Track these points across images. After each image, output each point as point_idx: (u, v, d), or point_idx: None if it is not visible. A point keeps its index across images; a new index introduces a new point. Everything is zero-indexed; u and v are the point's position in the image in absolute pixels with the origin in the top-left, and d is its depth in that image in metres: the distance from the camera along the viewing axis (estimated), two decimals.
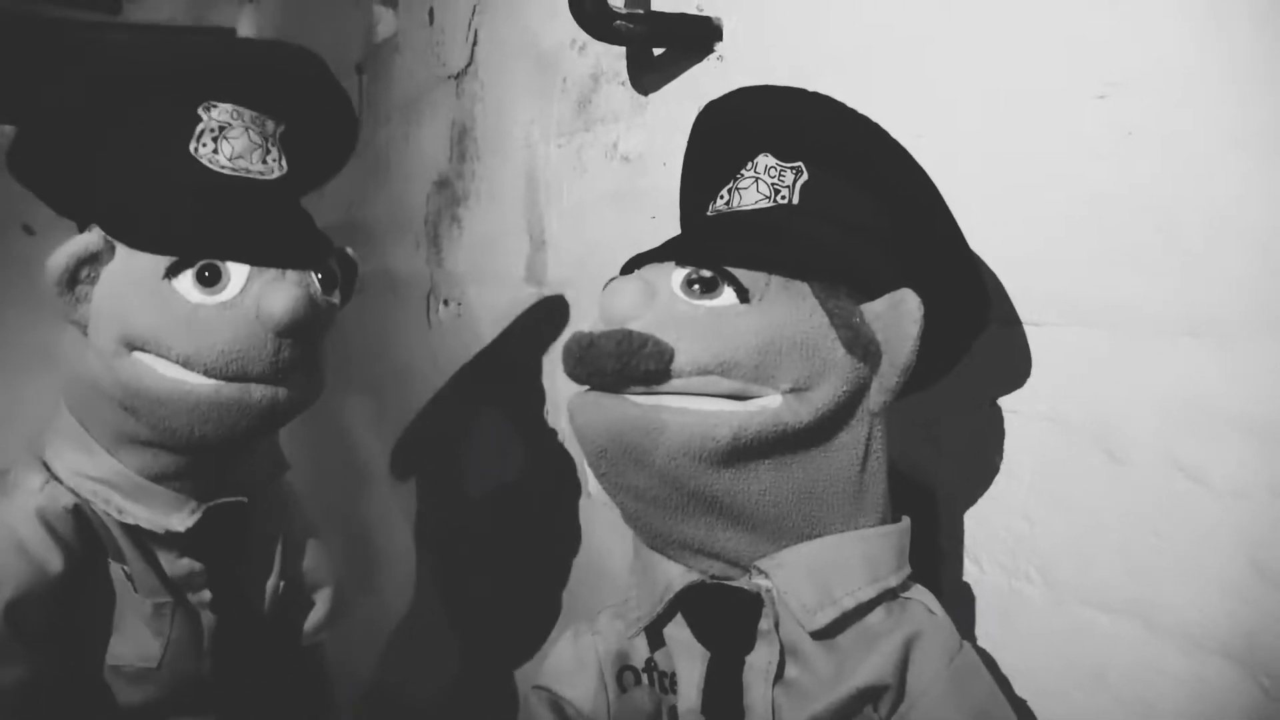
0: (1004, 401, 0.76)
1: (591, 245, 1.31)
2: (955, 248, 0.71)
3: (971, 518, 0.79)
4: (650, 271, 0.72)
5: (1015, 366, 0.75)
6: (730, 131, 0.78)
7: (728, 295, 0.68)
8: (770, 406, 0.66)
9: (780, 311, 0.67)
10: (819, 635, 0.68)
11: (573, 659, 0.80)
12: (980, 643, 0.78)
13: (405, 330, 1.98)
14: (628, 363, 0.66)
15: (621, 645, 0.78)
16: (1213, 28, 0.62)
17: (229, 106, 0.93)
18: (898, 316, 0.67)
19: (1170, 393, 0.64)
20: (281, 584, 1.13)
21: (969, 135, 0.78)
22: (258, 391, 0.90)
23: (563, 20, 1.04)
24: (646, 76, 1.15)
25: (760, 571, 0.70)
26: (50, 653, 0.93)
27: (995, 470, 0.76)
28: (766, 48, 1.01)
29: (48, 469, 0.96)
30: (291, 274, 0.91)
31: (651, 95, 1.16)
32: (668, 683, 0.76)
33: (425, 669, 1.72)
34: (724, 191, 0.77)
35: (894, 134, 0.75)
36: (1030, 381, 0.74)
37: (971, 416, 0.78)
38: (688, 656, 0.74)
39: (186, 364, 0.88)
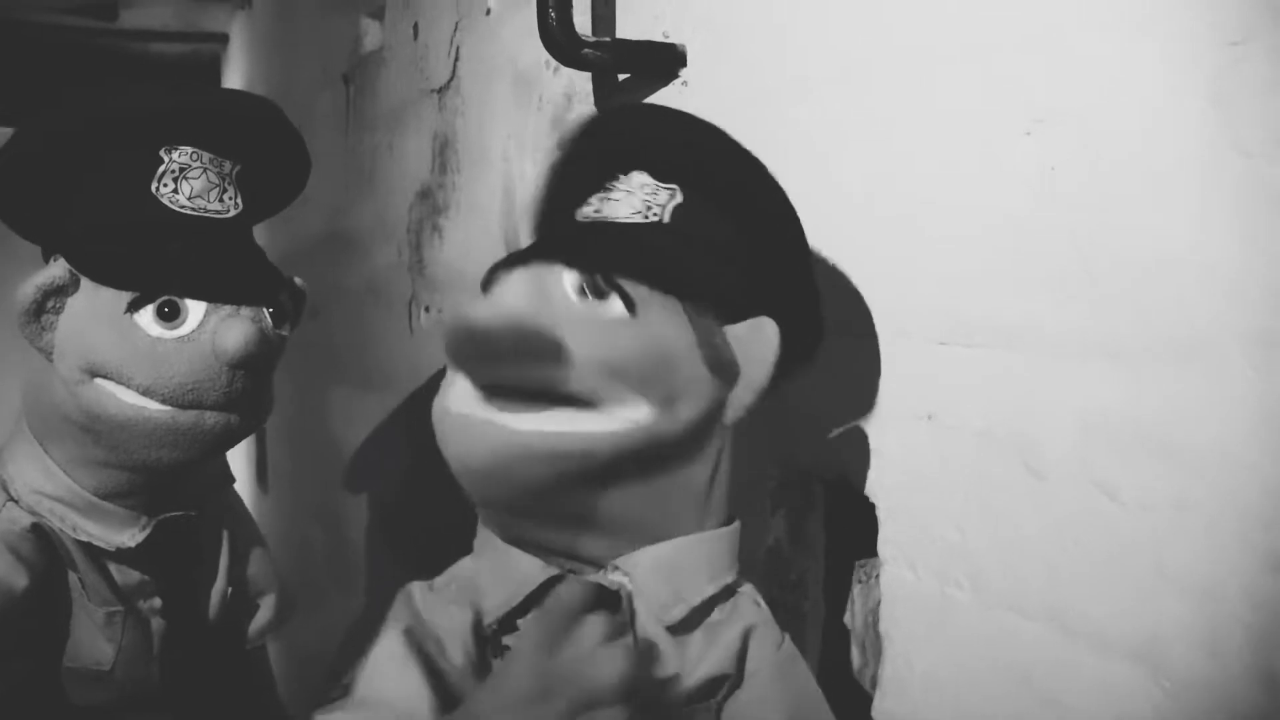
0: (940, 417, 0.80)
1: None
2: (806, 278, 0.79)
3: (909, 526, 0.83)
4: (537, 270, 0.73)
5: (950, 383, 0.79)
6: (611, 143, 0.81)
7: (616, 304, 0.71)
8: (643, 422, 0.69)
9: (658, 326, 0.71)
10: (673, 630, 0.73)
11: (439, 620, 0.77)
12: (913, 644, 0.82)
13: (387, 336, 2.02)
14: (523, 357, 0.68)
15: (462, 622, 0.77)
16: (1128, 71, 0.67)
17: (189, 149, 0.99)
18: (758, 342, 0.72)
19: (1084, 412, 0.68)
20: (229, 590, 1.20)
21: (912, 164, 0.83)
22: (211, 418, 0.98)
23: (538, 41, 1.08)
24: (613, 99, 1.19)
25: (617, 569, 0.74)
26: (17, 662, 1.00)
27: (931, 482, 0.80)
28: (729, 73, 1.05)
29: (6, 489, 1.02)
30: (245, 310, 0.99)
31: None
32: None
33: None
34: (593, 199, 0.79)
35: (839, 157, 0.79)
36: (963, 398, 0.78)
37: (911, 430, 0.82)
38: None
39: (146, 393, 0.96)
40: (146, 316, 0.97)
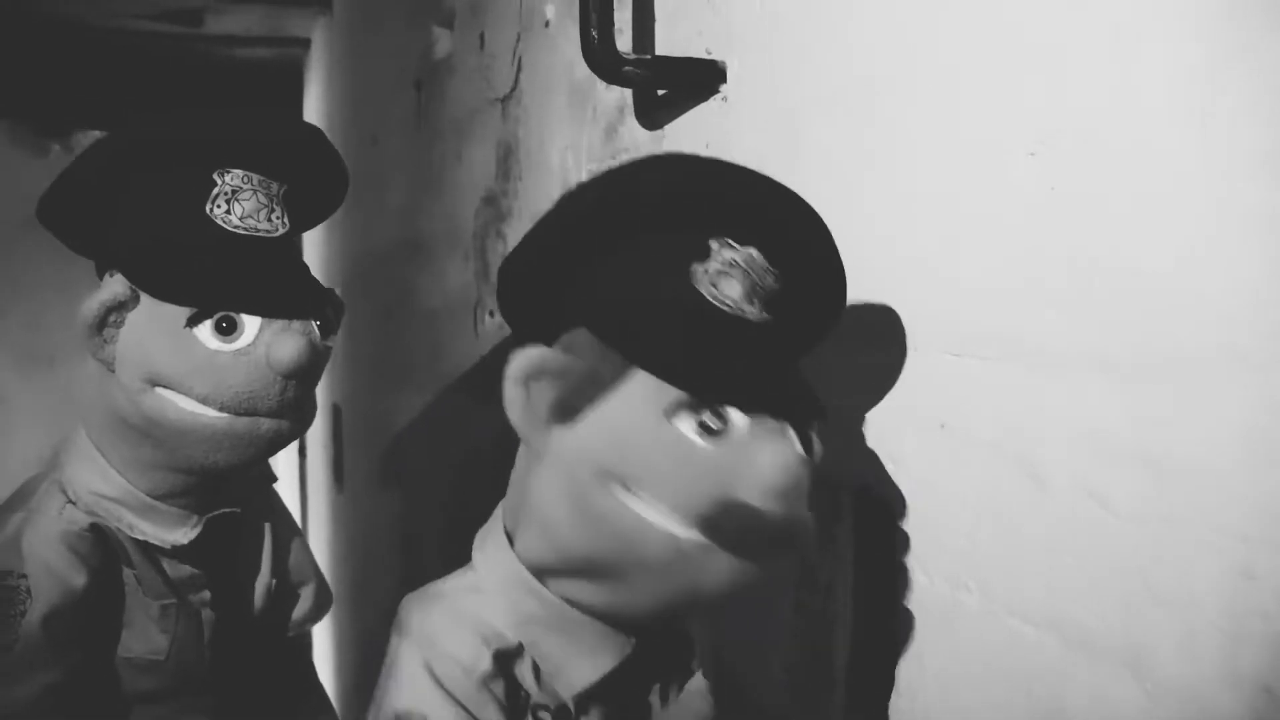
0: (953, 426, 0.83)
1: None
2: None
3: (923, 532, 0.86)
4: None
5: (963, 395, 0.82)
6: (678, 204, 0.78)
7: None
8: None
9: None
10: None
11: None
12: (926, 645, 0.85)
13: (454, 339, 2.09)
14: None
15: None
16: (1129, 95, 0.69)
17: (240, 172, 1.05)
18: None
19: (1082, 425, 0.71)
20: (274, 581, 1.28)
21: (928, 184, 0.85)
22: (265, 424, 1.05)
23: None
24: (654, 114, 1.23)
25: None
26: (77, 655, 1.08)
27: (945, 490, 0.83)
28: (768, 89, 1.08)
29: (65, 492, 1.10)
30: (296, 324, 1.06)
31: (664, 129, 1.24)
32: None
33: None
34: (707, 273, 0.76)
35: (867, 175, 0.82)
36: (975, 409, 0.81)
37: (927, 440, 0.85)
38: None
39: (204, 401, 1.03)
40: (205, 331, 1.03)
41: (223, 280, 1.03)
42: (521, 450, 0.81)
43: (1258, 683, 0.61)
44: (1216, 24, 0.64)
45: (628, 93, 1.34)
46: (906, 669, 0.87)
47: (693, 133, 1.18)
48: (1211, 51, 0.64)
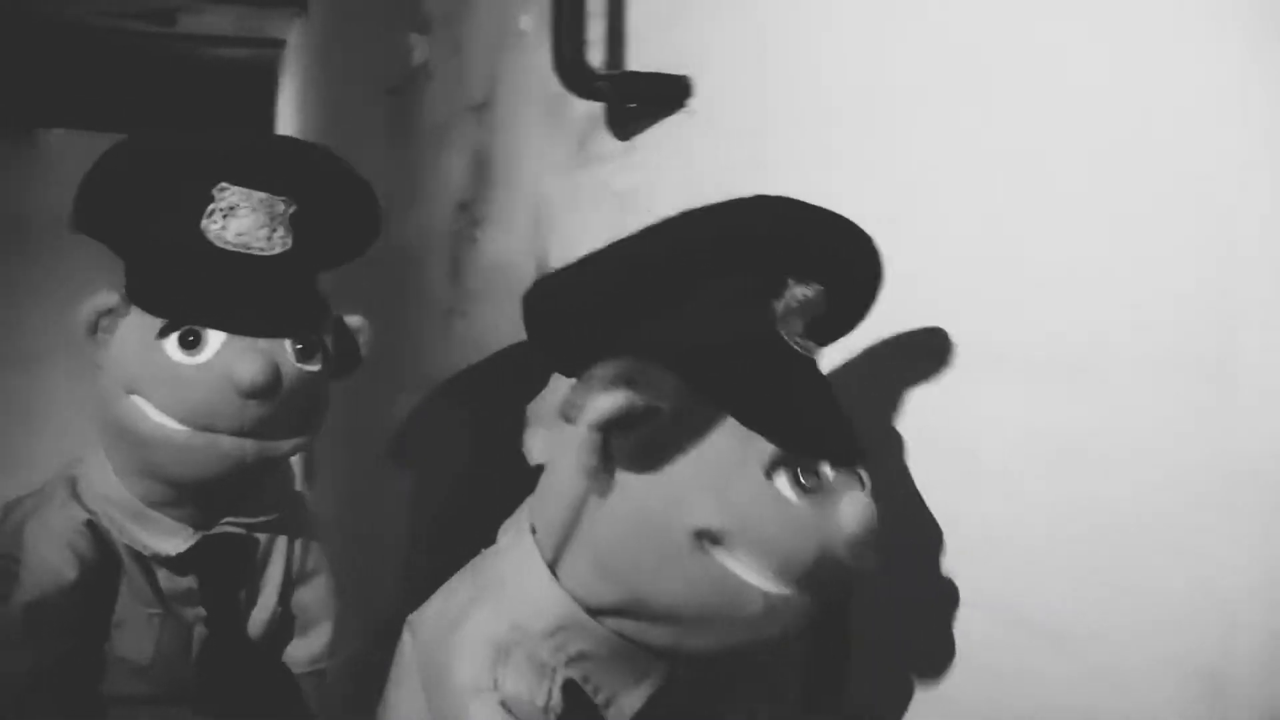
0: (926, 432, 0.88)
1: None
2: None
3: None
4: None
5: (936, 402, 0.87)
6: (750, 248, 0.78)
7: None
8: None
9: None
10: None
11: None
12: (886, 635, 0.90)
13: (428, 343, 2.12)
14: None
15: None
16: (1061, 113, 0.74)
17: (241, 189, 1.05)
18: None
19: (1034, 424, 0.77)
20: (279, 610, 1.26)
21: (899, 192, 0.90)
22: (225, 442, 1.05)
23: None
24: (625, 126, 1.27)
25: None
26: (60, 643, 1.10)
27: (921, 492, 0.89)
28: (733, 104, 1.12)
29: (73, 488, 1.13)
30: (263, 343, 1.05)
31: (634, 140, 1.28)
32: None
33: None
34: (781, 316, 0.78)
35: (828, 187, 0.86)
36: (946, 414, 0.86)
37: (904, 444, 0.90)
38: None
39: (167, 412, 1.04)
40: (172, 342, 1.04)
41: (191, 293, 1.04)
42: (570, 484, 0.78)
43: (1204, 668, 0.66)
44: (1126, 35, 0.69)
45: (598, 105, 1.38)
46: (860, 658, 0.92)
47: (661, 144, 1.23)
48: (1121, 66, 0.68)
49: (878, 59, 0.93)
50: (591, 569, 0.77)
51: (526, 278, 1.60)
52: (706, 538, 0.73)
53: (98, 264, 1.20)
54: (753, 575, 0.73)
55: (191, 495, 1.12)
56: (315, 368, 1.09)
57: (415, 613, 0.88)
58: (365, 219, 1.19)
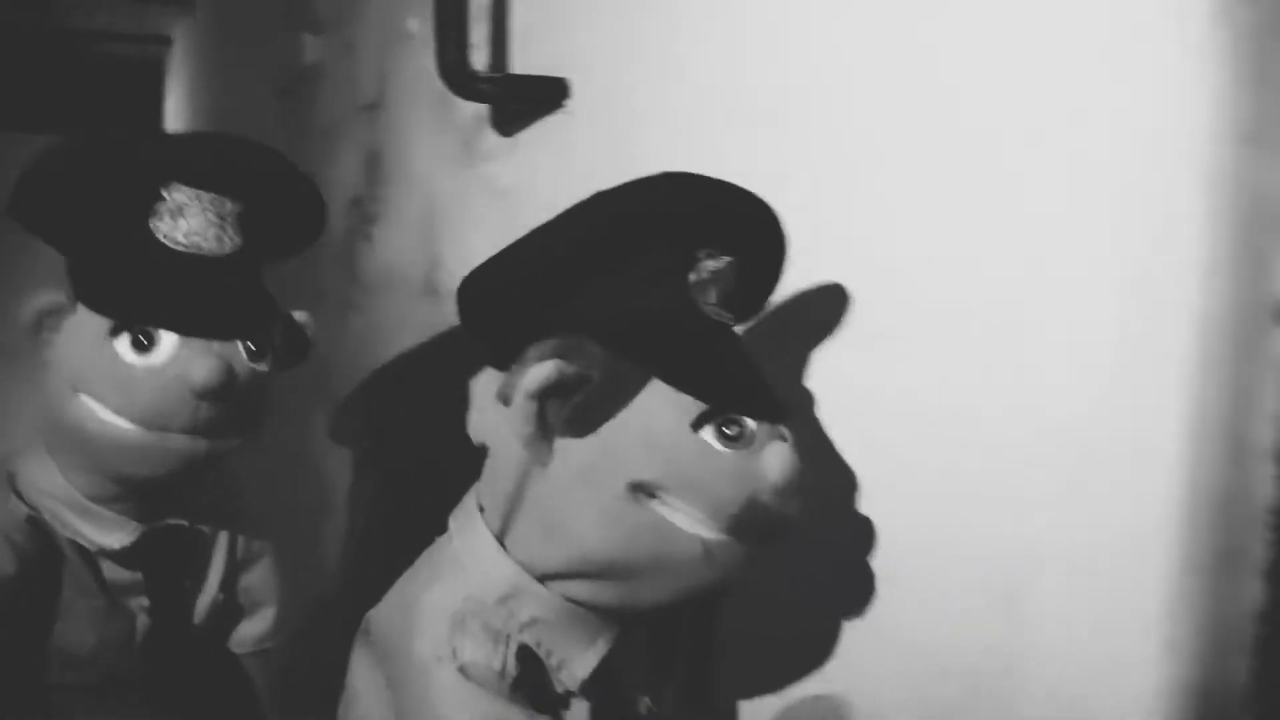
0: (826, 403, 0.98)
1: (477, 263, 1.50)
2: None
3: None
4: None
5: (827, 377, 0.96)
6: (682, 220, 0.84)
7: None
8: None
9: None
10: None
11: None
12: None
13: (325, 336, 2.15)
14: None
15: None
16: (951, 111, 0.84)
17: (189, 189, 1.05)
18: None
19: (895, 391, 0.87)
20: (220, 597, 1.27)
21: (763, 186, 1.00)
22: (178, 441, 1.05)
23: None
24: (509, 124, 1.35)
25: None
26: (1, 635, 1.11)
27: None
28: (607, 104, 1.21)
29: (13, 483, 1.14)
30: (216, 344, 1.05)
31: (517, 138, 1.36)
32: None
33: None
34: (698, 286, 0.84)
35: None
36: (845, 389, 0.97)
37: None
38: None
39: (118, 412, 1.04)
40: (123, 344, 1.03)
41: (143, 294, 1.04)
42: (512, 458, 0.84)
43: (1009, 593, 0.77)
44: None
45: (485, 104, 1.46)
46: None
47: (541, 143, 1.31)
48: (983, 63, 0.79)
49: (739, 61, 1.03)
50: (538, 535, 0.84)
51: (419, 272, 1.68)
52: (643, 490, 0.80)
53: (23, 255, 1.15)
54: (684, 521, 0.80)
55: (139, 491, 1.12)
56: (265, 367, 1.10)
57: (374, 609, 0.92)
58: (311, 216, 1.21)
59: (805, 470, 0.81)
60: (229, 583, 1.28)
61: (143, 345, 1.03)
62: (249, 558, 1.30)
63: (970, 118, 0.84)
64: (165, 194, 1.05)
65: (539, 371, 0.79)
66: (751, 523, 0.81)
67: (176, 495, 1.17)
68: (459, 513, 0.92)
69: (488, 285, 0.88)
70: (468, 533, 0.89)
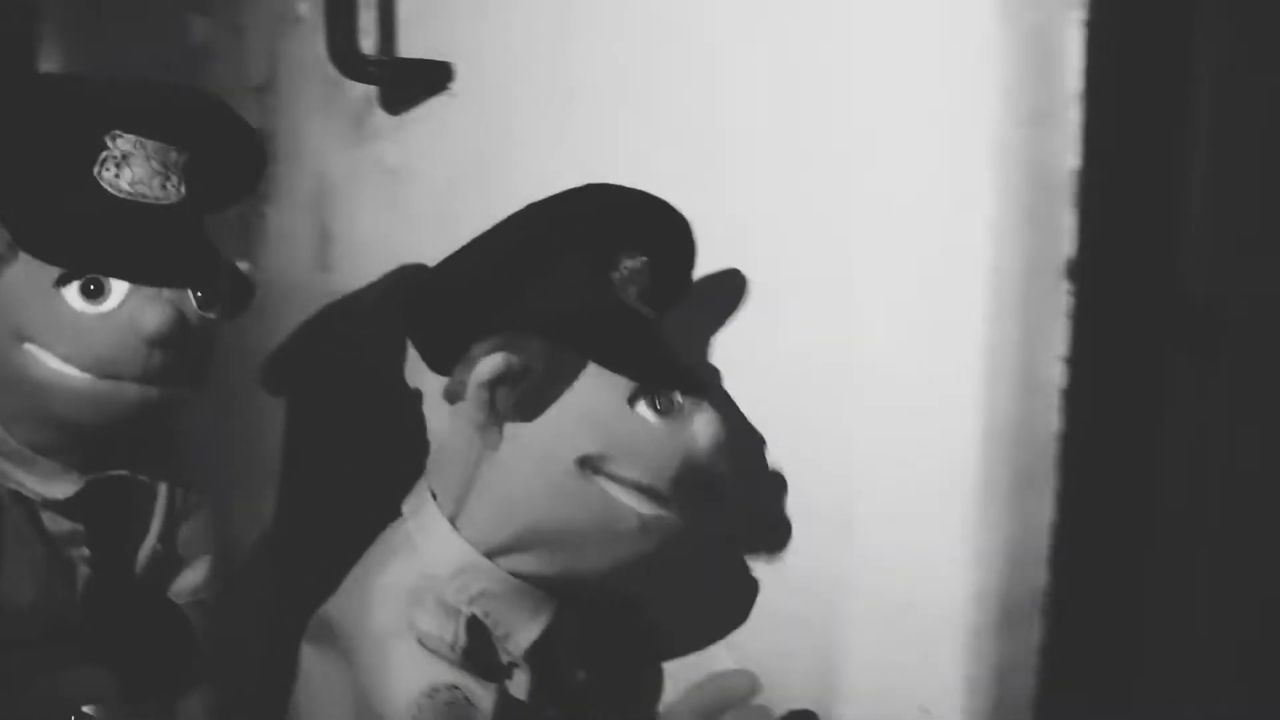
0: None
1: (365, 240, 1.59)
2: None
3: None
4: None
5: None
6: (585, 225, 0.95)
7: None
8: None
9: None
10: None
11: None
12: None
13: None
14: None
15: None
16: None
17: (133, 137, 1.04)
18: None
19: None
20: (159, 547, 1.26)
21: (639, 164, 1.10)
22: (130, 389, 1.04)
23: None
24: (396, 106, 1.43)
25: None
26: None
27: None
28: (489, 87, 1.30)
29: None
30: (167, 292, 1.04)
31: (403, 117, 1.44)
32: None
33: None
34: (620, 279, 0.94)
35: (570, 162, 1.04)
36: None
37: None
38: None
39: (68, 360, 1.03)
40: (72, 292, 1.02)
41: (92, 242, 1.03)
42: (464, 445, 0.93)
43: (836, 516, 0.89)
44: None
45: (373, 88, 1.53)
46: None
47: (427, 123, 1.39)
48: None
49: (615, 48, 1.13)
50: (489, 513, 0.92)
51: (311, 246, 1.74)
52: (589, 465, 0.89)
53: None
54: (629, 498, 0.90)
55: (85, 441, 1.11)
56: (214, 315, 1.10)
57: (328, 602, 0.98)
58: (253, 166, 1.21)
59: (730, 432, 0.92)
60: (169, 533, 1.27)
61: (92, 293, 1.02)
62: (187, 509, 1.30)
63: (811, 107, 0.95)
64: (109, 142, 1.04)
65: (489, 363, 0.89)
66: (688, 482, 0.91)
67: (118, 446, 1.17)
68: (412, 499, 0.99)
69: (435, 293, 0.97)
70: (421, 516, 0.96)
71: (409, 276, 1.42)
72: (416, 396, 1.43)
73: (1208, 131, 0.88)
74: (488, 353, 0.90)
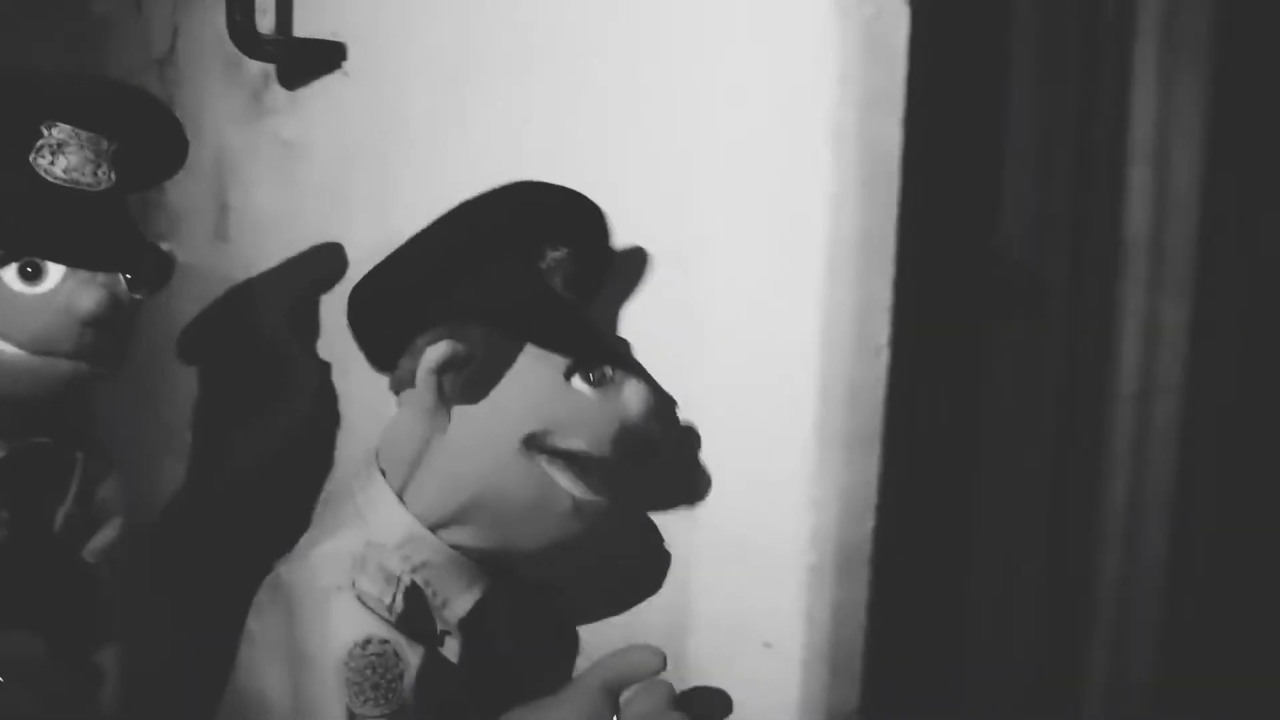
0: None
1: (262, 211, 1.63)
2: None
3: None
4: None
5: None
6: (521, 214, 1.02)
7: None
8: None
9: None
10: None
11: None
12: None
13: None
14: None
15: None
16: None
17: (68, 127, 1.12)
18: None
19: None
20: (74, 510, 1.31)
21: (524, 143, 1.16)
22: (63, 364, 1.11)
23: None
24: (292, 82, 1.48)
25: None
26: None
27: None
28: (382, 66, 1.36)
29: None
30: (101, 275, 1.11)
31: (299, 93, 1.49)
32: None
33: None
34: (548, 266, 1.02)
35: (459, 139, 1.09)
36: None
37: None
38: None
39: (4, 337, 1.09)
40: (10, 273, 1.08)
41: (30, 227, 1.09)
42: (413, 427, 0.98)
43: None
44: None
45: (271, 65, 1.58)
46: None
47: (322, 99, 1.45)
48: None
49: (500, 30, 1.20)
50: (435, 488, 0.98)
51: (209, 218, 1.78)
52: (534, 444, 0.96)
53: None
54: (567, 481, 0.97)
55: (15, 412, 1.17)
56: (140, 296, 1.16)
57: (278, 567, 1.03)
58: (176, 152, 1.29)
59: (658, 398, 1.00)
60: (84, 497, 1.32)
61: (30, 275, 1.08)
62: (100, 474, 1.35)
63: (662, 92, 1.04)
64: (46, 131, 1.11)
65: (436, 351, 0.95)
66: (627, 446, 0.99)
67: (42, 416, 1.22)
68: (361, 473, 1.05)
69: (375, 289, 1.03)
70: (370, 489, 1.02)
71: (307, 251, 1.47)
72: (325, 368, 1.49)
73: (1023, 113, 0.99)
74: (433, 342, 0.96)
